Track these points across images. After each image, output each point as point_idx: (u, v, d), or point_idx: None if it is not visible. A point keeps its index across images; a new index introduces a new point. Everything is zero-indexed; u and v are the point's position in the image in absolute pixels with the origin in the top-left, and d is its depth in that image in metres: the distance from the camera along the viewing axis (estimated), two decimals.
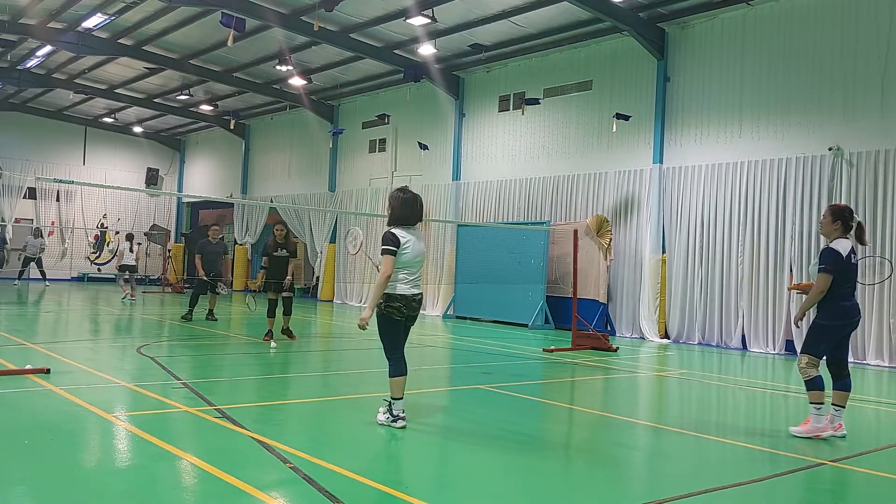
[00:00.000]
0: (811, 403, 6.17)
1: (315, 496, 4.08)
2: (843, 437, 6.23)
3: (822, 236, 6.53)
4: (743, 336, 13.67)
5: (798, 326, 6.44)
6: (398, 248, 5.81)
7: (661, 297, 14.85)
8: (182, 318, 13.97)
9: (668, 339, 14.68)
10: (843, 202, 12.45)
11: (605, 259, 15.57)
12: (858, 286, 12.01)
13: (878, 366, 11.79)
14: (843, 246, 6.12)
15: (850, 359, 11.99)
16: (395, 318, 5.87)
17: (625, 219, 15.71)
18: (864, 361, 12.05)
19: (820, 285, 6.06)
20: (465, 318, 17.88)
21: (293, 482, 4.35)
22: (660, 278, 14.85)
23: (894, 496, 4.90)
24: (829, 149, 12.70)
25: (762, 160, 13.56)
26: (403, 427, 5.81)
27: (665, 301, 14.82)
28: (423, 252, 6.06)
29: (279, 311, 11.56)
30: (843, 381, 6.33)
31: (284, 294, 11.59)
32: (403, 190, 6.09)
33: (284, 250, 11.62)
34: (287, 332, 11.74)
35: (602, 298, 15.61)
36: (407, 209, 5.96)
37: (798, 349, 11.84)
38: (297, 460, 4.74)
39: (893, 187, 12.04)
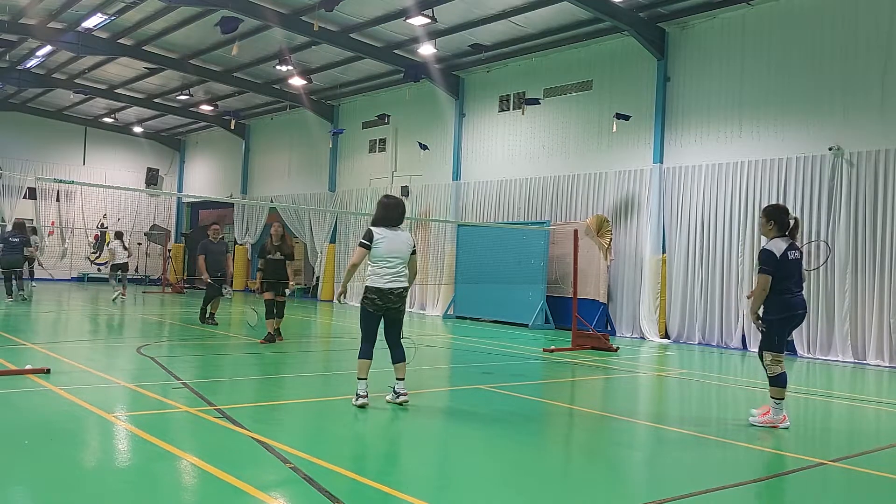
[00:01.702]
0: (772, 398, 6.48)
1: (315, 496, 4.08)
2: (787, 427, 6.43)
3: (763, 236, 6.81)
4: (743, 336, 13.66)
5: (761, 329, 6.61)
6: (371, 242, 6.59)
7: (662, 297, 14.84)
8: (200, 321, 13.66)
9: (669, 339, 14.68)
10: (842, 202, 12.46)
11: (606, 259, 15.56)
12: (855, 285, 12.11)
13: (879, 366, 11.79)
14: (777, 246, 6.43)
15: (850, 359, 12.14)
16: (369, 309, 6.62)
17: (625, 219, 15.71)
18: (865, 361, 12.05)
19: (761, 284, 6.44)
20: (465, 318, 17.87)
21: (293, 482, 4.34)
22: (660, 278, 14.84)
23: (894, 496, 4.90)
24: (830, 149, 12.69)
25: (762, 160, 13.55)
26: (362, 406, 6.42)
27: (665, 301, 14.82)
28: (401, 251, 6.69)
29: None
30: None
31: (278, 298, 11.19)
32: (388, 196, 7.00)
33: (279, 252, 11.21)
34: (275, 333, 11.37)
35: (602, 298, 15.61)
36: (387, 212, 6.78)
37: (798, 349, 11.87)
38: (297, 460, 4.73)
39: (893, 187, 12.03)
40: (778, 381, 6.42)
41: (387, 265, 6.60)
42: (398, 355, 6.76)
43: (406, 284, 6.74)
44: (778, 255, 6.35)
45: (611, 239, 15.62)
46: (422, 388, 7.85)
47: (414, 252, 6.84)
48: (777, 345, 6.45)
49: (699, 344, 14.17)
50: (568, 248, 13.85)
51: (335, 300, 6.98)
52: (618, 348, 12.44)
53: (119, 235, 19.35)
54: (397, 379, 6.69)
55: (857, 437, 6.44)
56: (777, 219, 6.54)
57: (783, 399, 6.45)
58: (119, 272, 19.02)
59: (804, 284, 6.65)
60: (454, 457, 5.40)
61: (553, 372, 10.20)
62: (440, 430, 6.08)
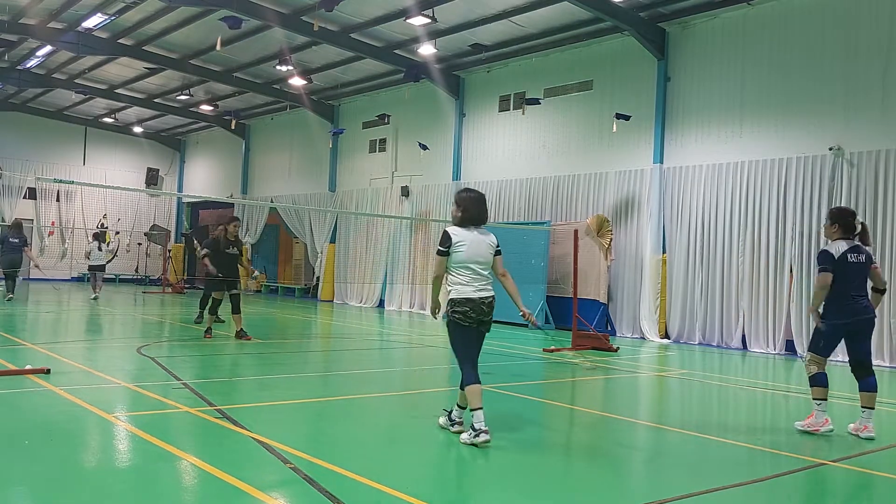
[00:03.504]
0: (813, 399, 6.30)
1: (315, 496, 4.08)
2: (870, 439, 6.19)
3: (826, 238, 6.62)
4: (743, 336, 13.65)
5: (820, 327, 6.31)
6: (449, 246, 5.60)
7: (662, 297, 14.84)
8: (206, 324, 12.79)
9: (669, 339, 14.67)
10: (843, 202, 12.45)
11: (606, 259, 15.56)
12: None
13: (879, 366, 11.76)
14: (837, 247, 6.26)
15: None
16: (463, 324, 5.59)
17: (625, 219, 15.71)
18: None
19: (819, 282, 6.25)
20: None
21: (293, 482, 4.34)
22: (660, 278, 14.84)
23: (894, 496, 4.89)
24: (830, 149, 12.69)
25: (763, 160, 13.55)
26: (487, 441, 5.33)
27: (665, 301, 14.81)
28: (485, 255, 5.67)
29: (228, 310, 11.52)
30: (863, 382, 6.34)
31: (232, 292, 11.44)
32: (469, 190, 5.93)
33: (235, 248, 11.51)
34: (241, 334, 11.41)
35: (602, 298, 15.60)
36: (472, 208, 5.73)
37: (799, 349, 11.83)
38: (297, 460, 4.73)
39: (894, 187, 12.02)
40: (816, 381, 6.25)
41: (472, 272, 5.61)
42: (475, 376, 5.63)
43: (493, 293, 5.70)
44: (836, 256, 6.17)
45: (611, 239, 15.62)
46: (422, 388, 7.85)
47: (498, 253, 5.78)
48: (821, 349, 6.28)
49: (699, 344, 14.16)
50: (568, 248, 13.84)
51: (433, 316, 5.86)
52: (618, 348, 12.44)
53: (98, 237, 19.02)
54: (472, 410, 5.45)
55: (858, 437, 6.42)
56: (841, 221, 6.33)
57: (825, 400, 6.25)
58: (95, 273, 18.59)
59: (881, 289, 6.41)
60: (454, 456, 5.39)
61: (553, 372, 10.19)
62: (440, 429, 6.07)
